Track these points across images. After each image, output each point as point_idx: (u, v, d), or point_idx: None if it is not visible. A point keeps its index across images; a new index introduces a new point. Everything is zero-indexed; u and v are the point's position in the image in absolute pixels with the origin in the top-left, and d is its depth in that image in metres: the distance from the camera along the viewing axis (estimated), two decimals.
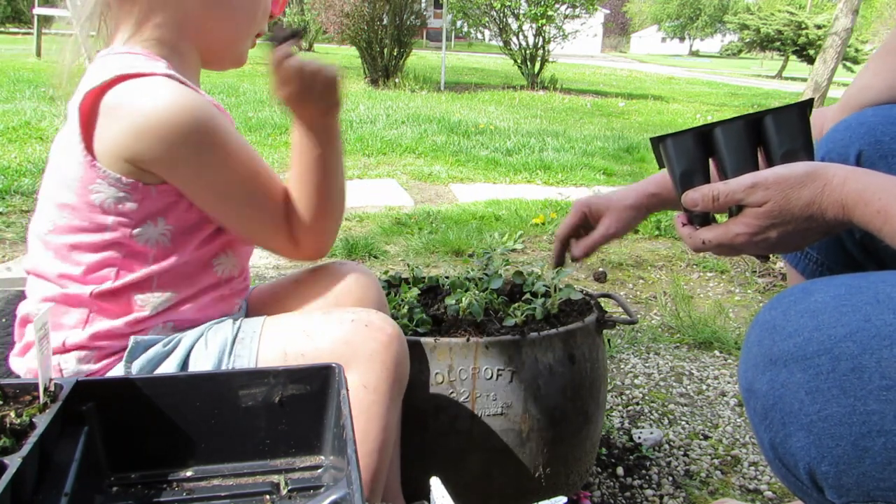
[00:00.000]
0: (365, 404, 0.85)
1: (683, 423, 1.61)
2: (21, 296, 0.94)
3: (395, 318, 1.18)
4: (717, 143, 0.86)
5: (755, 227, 0.79)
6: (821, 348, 0.64)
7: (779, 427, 0.67)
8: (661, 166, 0.91)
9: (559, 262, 1.19)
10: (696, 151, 0.87)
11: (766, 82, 19.49)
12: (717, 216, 0.89)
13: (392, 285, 1.34)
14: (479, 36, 18.68)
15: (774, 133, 0.84)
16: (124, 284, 0.86)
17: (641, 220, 1.16)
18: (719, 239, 0.83)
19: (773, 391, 0.67)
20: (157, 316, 0.88)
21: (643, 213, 1.15)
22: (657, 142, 0.89)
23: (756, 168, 0.85)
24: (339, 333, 0.86)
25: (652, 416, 1.63)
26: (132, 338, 0.85)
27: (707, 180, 0.87)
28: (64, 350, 0.85)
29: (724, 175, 0.86)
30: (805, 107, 0.83)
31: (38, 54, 9.28)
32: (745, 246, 0.82)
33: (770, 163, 0.85)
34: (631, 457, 1.45)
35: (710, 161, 0.88)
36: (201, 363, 0.85)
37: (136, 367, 0.84)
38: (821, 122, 1.05)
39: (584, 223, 1.15)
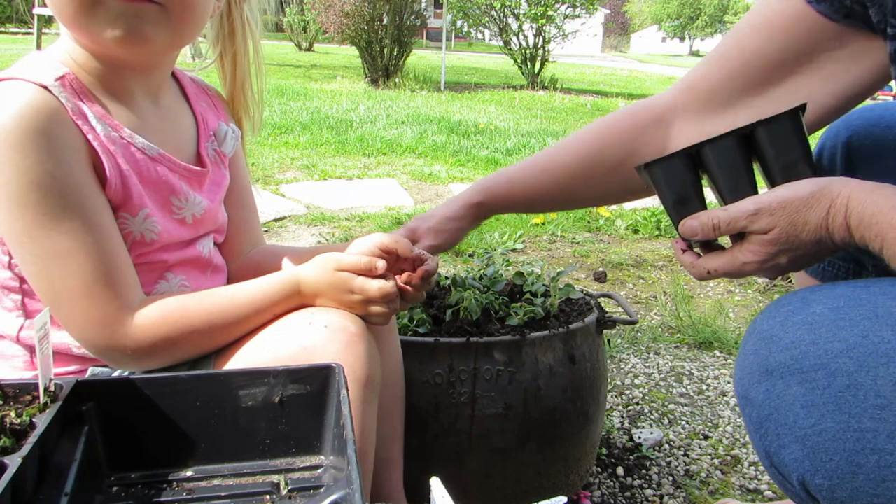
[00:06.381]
0: None
1: (683, 423, 1.61)
2: None
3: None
4: (708, 163, 0.79)
5: (763, 255, 0.75)
6: (817, 363, 0.64)
7: (773, 437, 0.67)
8: (647, 187, 0.85)
9: None
10: (688, 175, 0.80)
11: None
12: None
13: None
14: (479, 36, 18.69)
15: (769, 145, 0.78)
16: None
17: (468, 229, 1.14)
18: (725, 268, 0.79)
19: (769, 402, 0.67)
20: None
21: (469, 223, 1.14)
22: (644, 168, 0.82)
23: (754, 185, 0.80)
24: (298, 338, 0.81)
25: (652, 416, 1.63)
26: (90, 369, 0.84)
27: (703, 204, 0.81)
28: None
29: (719, 196, 0.81)
30: (798, 112, 0.77)
31: None
32: (755, 273, 0.78)
33: (768, 177, 0.80)
34: (631, 457, 1.45)
35: (704, 179, 0.82)
36: None
37: None
38: (660, 112, 1.00)
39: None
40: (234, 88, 1.02)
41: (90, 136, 0.79)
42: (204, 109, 0.99)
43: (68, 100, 0.78)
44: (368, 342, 0.84)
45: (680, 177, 0.80)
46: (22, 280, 0.82)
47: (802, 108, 0.78)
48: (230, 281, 1.02)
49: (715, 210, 0.78)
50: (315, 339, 0.80)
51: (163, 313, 0.81)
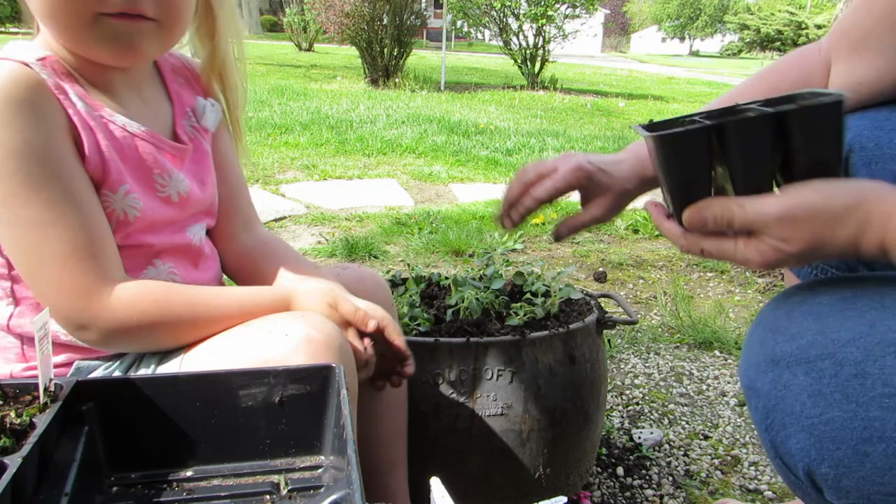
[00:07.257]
0: None
1: (683, 423, 1.61)
2: None
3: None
4: (729, 141, 0.68)
5: (773, 260, 0.67)
6: (824, 352, 0.64)
7: (779, 427, 0.67)
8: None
9: (515, 224, 0.99)
10: (704, 154, 0.70)
11: None
12: None
13: (393, 285, 1.34)
14: (479, 36, 18.68)
15: (803, 134, 0.67)
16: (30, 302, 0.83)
17: (632, 199, 1.00)
18: (723, 256, 0.71)
19: (775, 391, 0.67)
20: None
21: (634, 197, 1.01)
22: (658, 139, 0.70)
23: (773, 174, 0.70)
24: (258, 347, 0.77)
25: (652, 416, 1.63)
26: (76, 362, 0.84)
27: (708, 190, 0.72)
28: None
29: (731, 178, 0.71)
30: (841, 103, 0.66)
31: None
32: (753, 267, 0.71)
33: (789, 167, 0.69)
34: (631, 457, 1.45)
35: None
36: None
37: None
38: (825, 57, 0.91)
39: (570, 191, 0.97)
40: (211, 52, 0.97)
41: (70, 111, 0.79)
42: (180, 86, 0.97)
43: (50, 76, 0.78)
44: (337, 350, 0.77)
45: (696, 154, 0.70)
46: (11, 266, 0.81)
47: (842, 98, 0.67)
48: (225, 268, 1.01)
49: (729, 203, 0.69)
50: (275, 347, 0.76)
51: (145, 290, 0.80)
